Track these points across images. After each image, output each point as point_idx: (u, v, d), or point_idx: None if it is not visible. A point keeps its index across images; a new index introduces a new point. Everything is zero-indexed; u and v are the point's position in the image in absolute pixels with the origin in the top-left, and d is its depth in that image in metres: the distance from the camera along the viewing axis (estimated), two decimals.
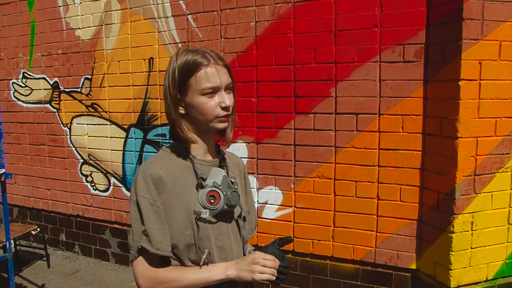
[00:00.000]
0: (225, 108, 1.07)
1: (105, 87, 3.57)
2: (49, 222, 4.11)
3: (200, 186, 1.08)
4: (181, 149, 1.12)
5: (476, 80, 2.23)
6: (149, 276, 1.04)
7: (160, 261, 1.07)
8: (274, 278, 1.03)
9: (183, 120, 1.09)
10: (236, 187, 1.10)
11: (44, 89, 3.93)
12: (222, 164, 1.17)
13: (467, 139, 2.25)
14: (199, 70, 1.05)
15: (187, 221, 1.05)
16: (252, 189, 1.32)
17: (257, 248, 1.17)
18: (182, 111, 1.09)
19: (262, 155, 2.93)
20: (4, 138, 4.13)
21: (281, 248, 1.12)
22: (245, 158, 2.96)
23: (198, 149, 1.14)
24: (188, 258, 1.07)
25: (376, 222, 2.62)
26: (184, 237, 1.05)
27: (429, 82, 2.40)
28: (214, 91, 1.06)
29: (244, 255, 1.14)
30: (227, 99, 1.07)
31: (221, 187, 1.06)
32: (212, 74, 1.05)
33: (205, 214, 1.05)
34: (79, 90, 3.71)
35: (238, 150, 2.98)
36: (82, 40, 3.63)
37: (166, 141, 3.27)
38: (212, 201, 1.05)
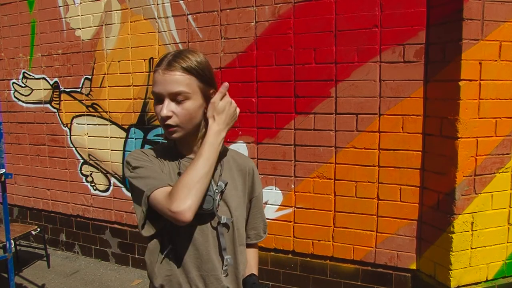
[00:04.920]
0: (161, 119, 1.03)
1: (105, 87, 3.57)
2: (49, 222, 4.10)
3: None
4: (173, 145, 1.14)
5: (476, 80, 2.23)
6: (170, 199, 0.96)
7: None
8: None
9: None
10: (216, 191, 1.07)
11: (44, 89, 3.93)
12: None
13: (467, 139, 2.25)
14: (154, 73, 1.05)
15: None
16: None
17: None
18: None
19: (262, 155, 2.92)
20: (4, 138, 4.13)
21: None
22: None
23: (187, 147, 1.13)
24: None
25: (376, 222, 2.62)
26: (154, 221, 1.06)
27: (429, 82, 2.40)
28: (158, 98, 1.04)
29: (222, 262, 1.10)
30: (165, 109, 1.01)
31: None
32: (157, 80, 1.03)
33: None
34: (79, 90, 3.71)
35: (238, 150, 2.96)
36: (82, 40, 3.63)
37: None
38: None
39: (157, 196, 0.98)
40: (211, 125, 1.04)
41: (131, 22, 3.36)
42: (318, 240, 2.80)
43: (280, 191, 2.90)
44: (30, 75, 4.00)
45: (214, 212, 1.07)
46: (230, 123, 1.07)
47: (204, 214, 1.06)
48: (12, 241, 3.20)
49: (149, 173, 1.03)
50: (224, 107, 1.05)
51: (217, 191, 1.07)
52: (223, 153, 1.17)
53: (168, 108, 1.02)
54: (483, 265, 2.39)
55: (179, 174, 1.08)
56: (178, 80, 1.02)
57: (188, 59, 1.04)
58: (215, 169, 1.12)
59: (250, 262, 1.24)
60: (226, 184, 1.12)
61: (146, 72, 3.34)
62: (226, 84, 1.07)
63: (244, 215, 1.20)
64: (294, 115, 2.79)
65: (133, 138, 3.48)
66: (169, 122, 1.03)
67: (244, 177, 1.20)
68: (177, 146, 1.15)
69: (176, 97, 1.02)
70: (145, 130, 3.42)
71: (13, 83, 4.13)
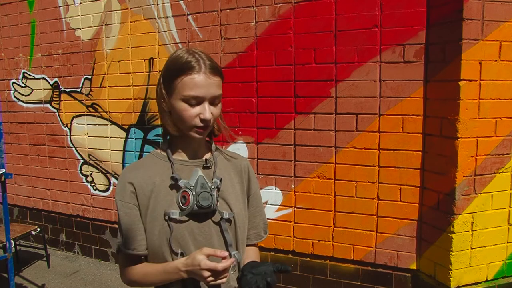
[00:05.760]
0: (203, 121, 1.04)
1: (105, 87, 3.57)
2: (49, 222, 4.11)
3: (174, 186, 1.08)
4: (164, 150, 1.13)
5: (476, 80, 2.23)
6: (125, 272, 1.13)
7: (139, 258, 1.11)
8: (225, 280, 1.00)
9: (168, 116, 1.09)
10: (213, 187, 1.07)
11: (44, 89, 3.93)
12: (209, 164, 1.13)
13: (467, 139, 2.25)
14: (188, 75, 1.01)
15: (158, 222, 1.05)
16: None
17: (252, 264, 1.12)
18: (165, 107, 1.08)
19: (262, 155, 2.93)
20: (4, 138, 4.13)
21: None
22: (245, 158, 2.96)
23: (183, 149, 1.13)
24: (162, 260, 1.07)
25: (376, 222, 2.62)
26: (152, 236, 1.06)
27: (429, 82, 2.40)
28: (197, 101, 1.03)
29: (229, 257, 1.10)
30: (208, 112, 1.03)
31: (192, 187, 1.04)
32: (199, 84, 1.01)
33: (175, 215, 1.04)
34: (79, 90, 3.71)
35: (238, 150, 2.97)
36: (82, 40, 3.63)
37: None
38: (184, 201, 1.05)
39: (122, 256, 1.13)
40: (180, 270, 1.01)
41: (131, 22, 3.36)
42: (318, 240, 2.80)
43: (280, 191, 2.90)
44: (30, 75, 4.01)
45: (215, 208, 1.07)
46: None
47: (203, 212, 1.06)
48: (12, 241, 3.20)
49: (124, 228, 1.10)
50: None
51: (213, 187, 1.07)
52: (216, 153, 1.18)
53: (209, 110, 1.05)
54: (483, 265, 2.39)
55: (172, 178, 1.07)
56: (218, 84, 1.06)
57: (214, 61, 1.07)
58: (208, 167, 1.13)
59: (252, 256, 1.22)
60: (221, 180, 1.12)
61: (146, 72, 3.34)
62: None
63: (245, 213, 1.20)
64: (294, 115, 2.79)
65: (133, 138, 3.48)
66: (209, 124, 1.06)
67: (240, 175, 1.20)
68: (171, 149, 1.14)
69: (214, 100, 1.06)
70: (145, 130, 3.42)
71: (13, 83, 4.13)
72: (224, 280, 0.99)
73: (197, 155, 1.15)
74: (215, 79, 1.04)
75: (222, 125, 1.18)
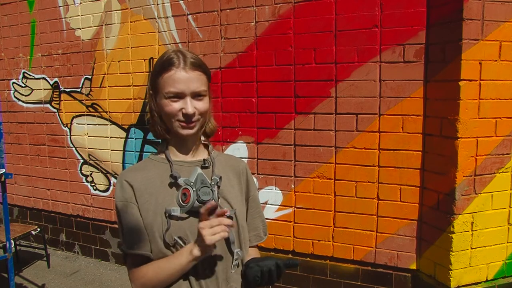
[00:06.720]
0: (185, 115, 1.04)
1: (105, 87, 3.57)
2: (49, 222, 4.11)
3: (174, 185, 1.08)
4: (162, 152, 1.13)
5: (476, 80, 2.23)
6: (134, 275, 1.08)
7: (147, 259, 1.07)
8: (227, 234, 0.99)
9: (158, 118, 1.09)
10: (213, 184, 1.07)
11: (44, 89, 3.93)
12: (207, 164, 1.13)
13: (467, 139, 2.25)
14: (168, 72, 1.03)
15: (158, 220, 1.05)
16: None
17: (255, 259, 1.12)
18: (154, 107, 1.09)
19: (262, 155, 2.93)
20: (4, 138, 4.13)
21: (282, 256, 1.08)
22: (245, 158, 2.96)
23: (180, 151, 1.13)
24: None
25: (376, 222, 2.62)
26: (153, 238, 1.05)
27: (429, 82, 2.40)
28: (177, 96, 1.04)
29: (232, 256, 1.09)
30: (190, 106, 1.04)
31: (192, 184, 1.05)
32: (178, 80, 1.02)
33: (176, 212, 1.04)
34: (79, 90, 3.71)
35: (238, 150, 2.98)
36: (82, 40, 3.63)
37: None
38: (184, 198, 1.05)
39: (127, 260, 1.09)
40: (194, 251, 1.00)
41: (131, 22, 3.36)
42: (318, 240, 2.80)
43: (280, 191, 2.90)
44: (30, 75, 4.01)
45: (217, 204, 1.06)
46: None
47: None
48: (12, 241, 3.20)
49: (129, 228, 1.07)
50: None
51: (213, 183, 1.08)
52: (214, 154, 1.18)
53: (192, 104, 1.05)
54: (483, 265, 2.39)
55: (172, 176, 1.07)
56: (200, 79, 1.06)
57: (199, 58, 1.08)
58: (207, 167, 1.13)
59: (253, 256, 1.21)
60: (220, 178, 1.12)
61: (146, 72, 3.34)
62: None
63: (244, 213, 1.19)
64: (294, 115, 2.79)
65: (133, 138, 3.48)
66: (193, 119, 1.06)
67: (238, 177, 1.20)
68: (170, 149, 1.13)
69: (197, 96, 1.06)
70: (145, 130, 3.42)
71: (13, 83, 4.13)
72: (226, 234, 0.99)
73: (195, 156, 1.15)
74: (195, 73, 1.04)
75: (212, 123, 1.16)
